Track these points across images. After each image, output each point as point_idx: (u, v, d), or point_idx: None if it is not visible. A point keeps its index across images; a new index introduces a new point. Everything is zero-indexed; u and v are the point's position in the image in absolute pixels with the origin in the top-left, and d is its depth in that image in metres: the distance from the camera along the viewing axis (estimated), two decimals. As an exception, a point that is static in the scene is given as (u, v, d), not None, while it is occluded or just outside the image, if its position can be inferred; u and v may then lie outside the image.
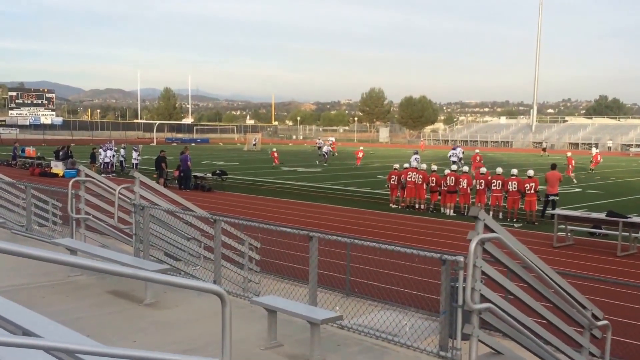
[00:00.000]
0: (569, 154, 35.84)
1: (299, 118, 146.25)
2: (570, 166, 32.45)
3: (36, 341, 2.72)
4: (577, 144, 79.43)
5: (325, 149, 46.02)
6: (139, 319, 6.43)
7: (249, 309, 6.86)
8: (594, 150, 42.17)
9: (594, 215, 16.77)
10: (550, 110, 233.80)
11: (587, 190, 28.26)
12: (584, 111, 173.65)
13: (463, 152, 42.36)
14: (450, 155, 40.75)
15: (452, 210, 20.50)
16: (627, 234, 14.89)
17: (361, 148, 45.83)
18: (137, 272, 2.93)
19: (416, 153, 32.59)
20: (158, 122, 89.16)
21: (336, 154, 52.56)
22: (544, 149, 62.62)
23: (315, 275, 6.66)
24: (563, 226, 16.06)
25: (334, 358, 5.43)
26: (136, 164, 32.94)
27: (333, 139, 63.97)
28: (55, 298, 7.05)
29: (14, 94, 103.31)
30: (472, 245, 5.13)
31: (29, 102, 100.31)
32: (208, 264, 8.70)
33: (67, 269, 8.18)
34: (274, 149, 45.08)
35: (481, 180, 20.31)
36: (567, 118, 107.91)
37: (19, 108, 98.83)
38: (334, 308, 6.57)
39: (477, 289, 5.25)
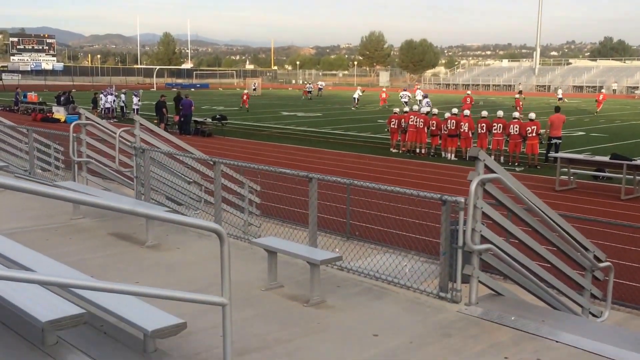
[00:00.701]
0: (516, 95, 36.83)
1: (298, 63, 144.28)
2: (518, 108, 32.39)
3: (33, 275, 2.71)
4: (581, 87, 78.49)
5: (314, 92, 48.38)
6: (141, 260, 6.48)
7: (249, 251, 6.89)
8: (603, 90, 42.13)
9: (598, 158, 16.68)
10: (554, 53, 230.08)
11: (591, 133, 28.09)
12: (588, 53, 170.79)
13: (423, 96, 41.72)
14: (401, 97, 43.56)
15: (453, 155, 20.43)
16: (631, 176, 14.82)
17: (384, 89, 47.16)
18: (135, 208, 2.91)
19: (426, 96, 32.09)
20: (158, 67, 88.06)
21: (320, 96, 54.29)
22: (520, 92, 62.51)
23: (315, 217, 6.66)
24: (566, 169, 16.00)
25: (334, 298, 5.49)
26: (137, 109, 32.68)
27: (323, 83, 64.77)
28: (58, 240, 7.09)
29: (15, 39, 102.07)
30: (473, 186, 5.10)
31: (30, 47, 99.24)
32: (209, 208, 8.71)
33: (70, 212, 8.20)
34: (246, 91, 46.64)
35: (482, 124, 20.15)
36: (571, 61, 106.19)
37: (20, 54, 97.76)
38: (333, 250, 6.60)
39: (478, 230, 5.25)
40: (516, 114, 19.88)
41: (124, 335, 3.97)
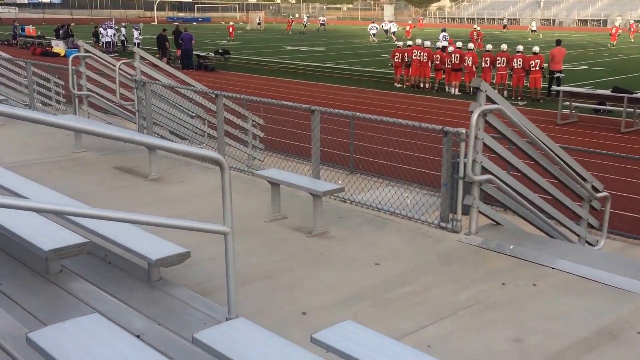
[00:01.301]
0: (475, 26, 36.37)
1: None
2: (479, 40, 31.57)
3: (25, 202, 2.68)
4: (585, 21, 76.45)
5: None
6: (144, 193, 6.47)
7: (252, 183, 6.87)
8: (617, 22, 40.81)
9: (599, 91, 16.45)
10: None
11: (594, 67, 27.56)
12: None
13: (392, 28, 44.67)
14: (369, 29, 44.56)
15: (457, 89, 20.13)
16: (632, 110, 14.66)
17: (410, 22, 47.22)
18: (135, 136, 2.84)
19: (444, 31, 30.85)
20: (158, 0, 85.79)
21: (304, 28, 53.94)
22: (504, 26, 61.32)
23: (318, 150, 6.59)
24: (568, 103, 15.80)
25: (336, 229, 5.50)
26: (138, 44, 32.01)
27: (324, 18, 63.64)
28: (61, 174, 7.07)
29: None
30: (474, 117, 5.01)
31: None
32: (212, 142, 8.63)
33: (72, 146, 8.14)
34: (231, 23, 47.03)
35: (486, 58, 19.73)
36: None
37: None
38: (336, 183, 6.56)
39: (478, 161, 5.19)
40: (520, 48, 19.41)
41: (128, 265, 3.99)
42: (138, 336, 2.46)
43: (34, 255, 3.80)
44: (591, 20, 75.76)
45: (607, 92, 15.81)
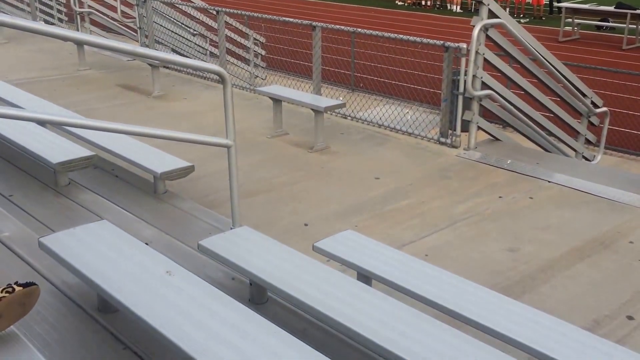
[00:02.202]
0: None
1: None
2: None
3: (35, 114, 2.63)
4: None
5: None
6: (149, 110, 6.38)
7: (255, 101, 6.77)
8: None
9: (603, 8, 15.91)
10: None
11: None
12: None
13: None
14: None
15: (459, 7, 19.47)
16: (635, 26, 14.23)
17: None
18: (136, 48, 2.74)
19: None
20: None
21: None
22: None
23: (319, 66, 6.44)
24: (570, 20, 15.31)
25: (337, 144, 5.45)
26: None
27: None
28: (66, 90, 6.95)
29: None
30: (475, 30, 4.84)
31: None
32: (214, 60, 8.44)
33: (76, 64, 7.97)
34: None
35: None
36: None
37: None
38: (337, 99, 6.46)
39: (479, 76, 5.07)
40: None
41: (134, 178, 3.99)
42: (146, 244, 2.47)
43: (43, 168, 3.80)
44: None
45: (611, 8, 15.29)
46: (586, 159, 6.26)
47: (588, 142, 6.37)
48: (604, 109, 6.25)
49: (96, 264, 2.22)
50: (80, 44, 7.61)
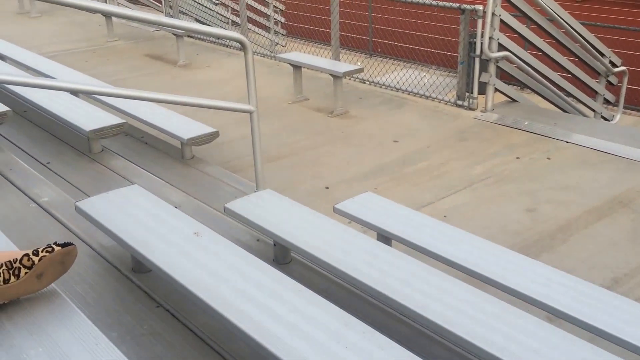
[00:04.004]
0: None
1: None
2: None
3: (73, 85, 2.61)
4: None
5: None
6: (175, 79, 6.35)
7: (275, 67, 6.68)
8: None
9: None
10: None
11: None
12: None
13: None
14: None
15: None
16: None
17: None
18: (161, 18, 2.69)
19: None
20: None
21: None
22: None
23: (337, 32, 6.30)
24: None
25: (356, 108, 5.37)
26: None
27: None
28: (97, 61, 6.93)
29: None
30: (494, -9, 4.66)
31: None
32: (236, 29, 8.32)
33: (105, 35, 7.93)
34: None
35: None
36: None
37: None
38: (355, 64, 6.33)
39: (495, 38, 4.90)
40: None
41: (162, 145, 3.98)
42: (175, 207, 2.47)
43: (77, 136, 3.81)
44: None
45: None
46: (605, 118, 6.08)
47: (607, 101, 6.17)
48: (623, 68, 6.03)
49: (129, 227, 2.23)
50: (108, 15, 7.56)
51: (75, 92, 4.02)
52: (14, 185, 3.01)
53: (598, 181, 3.90)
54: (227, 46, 7.56)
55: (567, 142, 4.49)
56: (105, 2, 9.22)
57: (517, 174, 4.04)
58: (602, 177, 3.96)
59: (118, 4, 9.29)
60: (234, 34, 2.94)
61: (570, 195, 3.72)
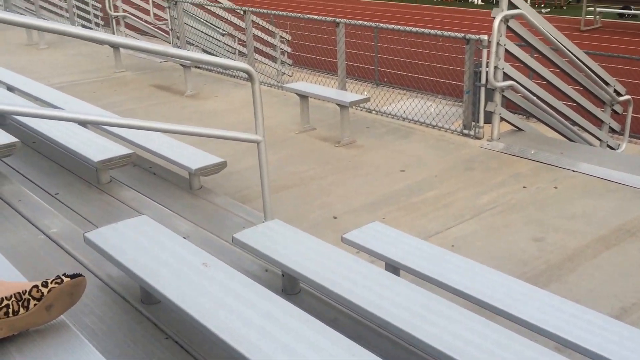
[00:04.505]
0: None
1: None
2: None
3: (79, 115, 2.69)
4: None
5: None
6: (182, 108, 6.46)
7: (282, 97, 6.79)
8: None
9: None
10: None
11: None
12: None
13: None
14: None
15: (480, -1, 19.18)
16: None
17: None
18: (169, 49, 2.78)
19: None
20: None
21: None
22: None
23: (344, 62, 6.42)
24: (592, 8, 14.93)
25: (363, 138, 5.44)
26: None
27: None
28: (105, 92, 7.07)
29: None
30: (496, 22, 4.76)
31: None
32: (242, 59, 8.48)
33: (112, 66, 8.10)
34: None
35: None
36: None
37: None
38: (362, 93, 6.43)
39: (500, 67, 4.99)
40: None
41: (170, 175, 4.05)
42: (184, 237, 2.51)
43: (86, 167, 3.88)
44: None
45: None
46: (611, 147, 6.12)
47: (612, 130, 6.22)
48: (627, 97, 6.10)
49: (138, 257, 2.26)
50: (116, 46, 7.73)
51: (83, 123, 4.11)
52: (23, 217, 3.07)
53: (605, 210, 3.92)
54: (234, 76, 7.70)
55: (573, 171, 4.53)
56: (113, 33, 9.44)
57: (524, 203, 4.07)
58: (609, 206, 3.98)
59: (126, 35, 9.51)
60: (242, 64, 3.02)
61: (577, 224, 3.74)
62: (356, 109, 6.19)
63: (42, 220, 3.02)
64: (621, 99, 6.00)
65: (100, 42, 2.63)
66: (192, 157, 3.88)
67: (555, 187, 4.29)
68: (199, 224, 3.24)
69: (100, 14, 10.98)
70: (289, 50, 9.69)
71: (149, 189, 3.74)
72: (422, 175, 4.60)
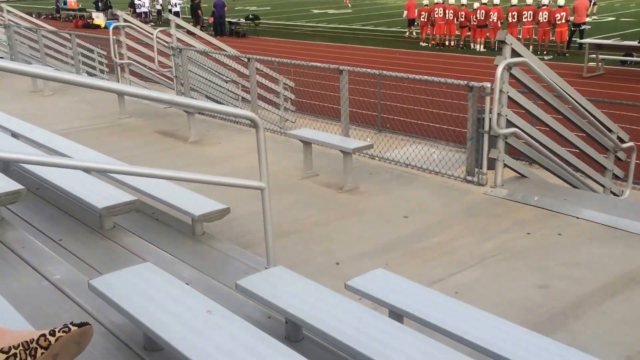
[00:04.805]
0: None
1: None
2: None
3: (83, 163, 2.79)
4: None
5: None
6: (186, 155, 6.60)
7: (285, 144, 6.92)
8: None
9: (626, 42, 15.84)
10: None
11: (621, 18, 26.44)
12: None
13: None
14: None
15: (482, 46, 19.62)
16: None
17: None
18: (174, 98, 2.90)
19: None
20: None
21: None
22: None
23: (347, 109, 6.59)
24: (594, 56, 15.27)
25: (366, 185, 5.53)
26: (178, 12, 31.41)
27: None
28: (108, 138, 7.23)
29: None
30: (499, 70, 4.92)
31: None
32: (246, 105, 8.69)
33: (116, 113, 8.30)
34: None
35: (514, 12, 19.11)
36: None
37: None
38: (365, 140, 6.57)
39: (503, 114, 5.12)
40: (545, 0, 18.71)
41: (173, 221, 4.12)
42: (187, 284, 2.57)
43: (89, 213, 3.96)
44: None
45: (634, 43, 15.23)
46: (614, 194, 6.19)
47: (616, 177, 6.31)
48: (631, 143, 6.22)
49: (142, 305, 2.32)
50: (121, 94, 7.94)
51: (87, 170, 4.21)
52: (27, 264, 3.13)
53: (610, 257, 3.97)
54: (237, 122, 7.87)
55: (577, 217, 4.59)
56: (118, 80, 9.71)
57: (528, 250, 4.12)
58: (614, 253, 4.03)
59: (130, 82, 9.77)
60: (247, 112, 3.15)
61: (582, 272, 3.78)
62: (359, 155, 6.31)
63: (46, 267, 3.08)
64: (624, 145, 6.11)
65: (106, 90, 2.76)
66: (195, 203, 3.96)
67: (559, 234, 4.35)
68: (202, 270, 3.30)
69: (105, 61, 11.31)
70: (292, 96, 9.92)
71: (152, 234, 3.81)
72: (426, 221, 4.67)
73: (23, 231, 3.55)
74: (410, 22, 23.16)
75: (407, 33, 23.27)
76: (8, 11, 13.14)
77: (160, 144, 7.02)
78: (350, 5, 43.27)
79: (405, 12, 23.45)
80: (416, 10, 22.50)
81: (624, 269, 3.78)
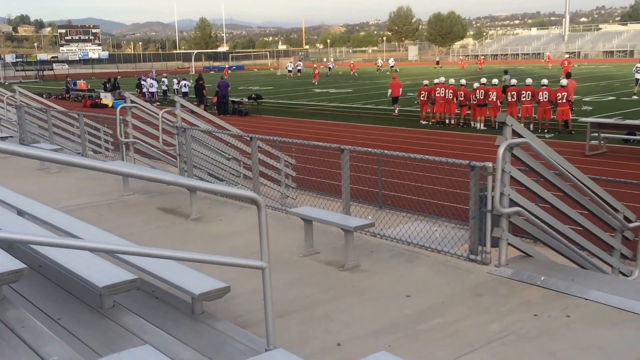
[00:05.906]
0: (566, 55, 37.03)
1: (329, 41, 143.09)
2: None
3: (82, 243, 2.84)
4: (612, 52, 75.63)
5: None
6: (187, 232, 6.66)
7: (286, 221, 6.99)
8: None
9: (628, 121, 16.21)
10: (583, 19, 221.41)
11: (622, 98, 27.21)
12: (619, 18, 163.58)
13: None
14: (287, 67, 55.88)
15: (482, 124, 20.10)
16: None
17: (315, 65, 53.64)
18: (177, 179, 3.00)
19: (506, 72, 28.71)
20: (195, 51, 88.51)
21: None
22: (437, 62, 65.01)
23: (348, 187, 6.70)
24: (596, 134, 15.58)
25: (368, 263, 5.55)
26: (186, 93, 32.38)
27: (332, 65, 64.42)
28: (111, 215, 7.33)
29: (63, 31, 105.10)
30: (500, 150, 5.04)
31: (77, 38, 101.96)
32: (248, 183, 8.84)
33: (120, 190, 8.44)
34: (315, 66, 51.31)
35: (512, 92, 19.73)
36: (601, 26, 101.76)
37: (69, 44, 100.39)
38: (366, 218, 6.64)
39: (506, 194, 5.20)
40: (545, 81, 19.38)
41: (173, 299, 4.12)
42: (185, 366, 2.56)
43: (89, 291, 3.98)
44: (617, 51, 75.03)
45: (636, 122, 15.60)
46: (623, 274, 6.17)
47: (624, 256, 6.31)
48: (638, 223, 6.25)
49: (139, 387, 2.30)
50: (125, 176, 8.11)
51: (91, 250, 4.26)
52: (25, 343, 3.12)
53: (621, 341, 3.92)
54: (238, 200, 7.98)
55: (585, 299, 4.56)
56: (123, 158, 9.94)
57: (536, 333, 4.07)
58: (625, 336, 3.98)
59: (135, 160, 9.99)
60: (249, 193, 3.24)
61: (593, 356, 3.73)
62: (360, 233, 6.36)
63: (43, 348, 3.06)
64: (631, 225, 6.14)
65: (110, 172, 2.86)
66: (195, 281, 3.98)
67: (568, 316, 4.31)
68: (200, 351, 3.28)
69: (111, 139, 11.62)
70: (294, 174, 10.10)
71: (151, 313, 3.81)
72: (429, 301, 4.65)
73: (22, 310, 3.55)
74: (394, 101, 24.44)
75: (396, 111, 24.17)
76: (20, 92, 13.69)
77: (162, 221, 7.10)
78: (382, 69, 48.63)
79: (390, 91, 24.45)
80: (400, 89, 24.41)
81: (636, 353, 3.74)
